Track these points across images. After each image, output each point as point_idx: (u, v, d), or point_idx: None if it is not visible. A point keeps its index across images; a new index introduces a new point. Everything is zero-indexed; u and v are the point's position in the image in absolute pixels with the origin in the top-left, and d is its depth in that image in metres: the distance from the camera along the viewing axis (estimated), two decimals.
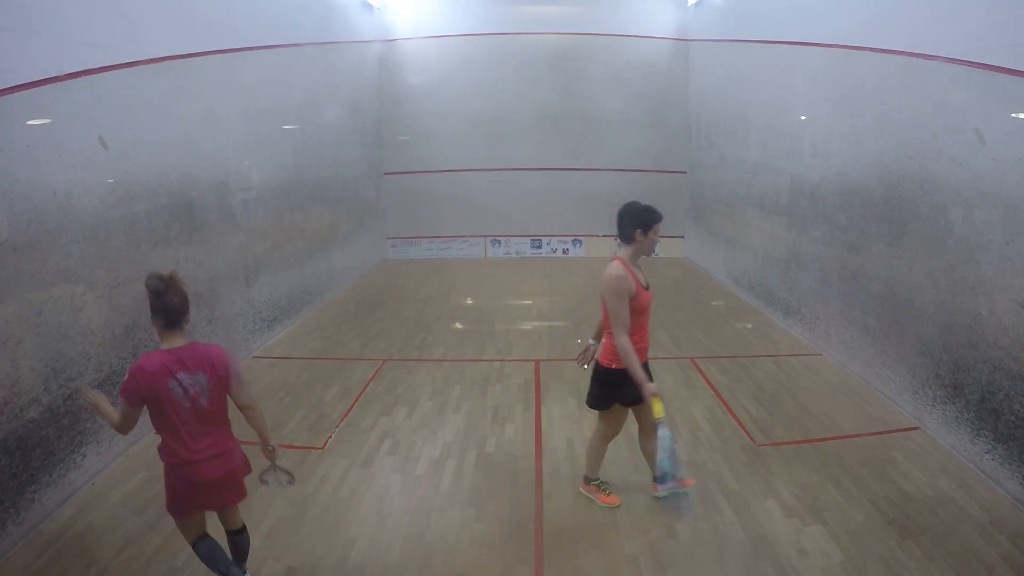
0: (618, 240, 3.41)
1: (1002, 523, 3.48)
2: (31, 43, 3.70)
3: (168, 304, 2.56)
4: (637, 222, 3.31)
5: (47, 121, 3.81)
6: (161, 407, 2.56)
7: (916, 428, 4.65)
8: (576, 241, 12.12)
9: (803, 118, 6.93)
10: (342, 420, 4.95)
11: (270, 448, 2.88)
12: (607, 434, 3.68)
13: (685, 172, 11.73)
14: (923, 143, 4.71)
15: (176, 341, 2.62)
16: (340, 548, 3.38)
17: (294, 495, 3.86)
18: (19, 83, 3.58)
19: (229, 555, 2.94)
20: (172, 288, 2.57)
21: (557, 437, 4.61)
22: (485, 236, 12.19)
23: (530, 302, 8.87)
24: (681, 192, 11.78)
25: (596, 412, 3.65)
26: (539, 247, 12.18)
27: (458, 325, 7.72)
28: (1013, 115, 3.85)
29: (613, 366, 3.39)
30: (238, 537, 2.97)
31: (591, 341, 3.74)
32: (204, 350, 2.67)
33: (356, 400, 5.34)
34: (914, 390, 4.79)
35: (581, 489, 3.82)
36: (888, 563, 3.18)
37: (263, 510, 3.70)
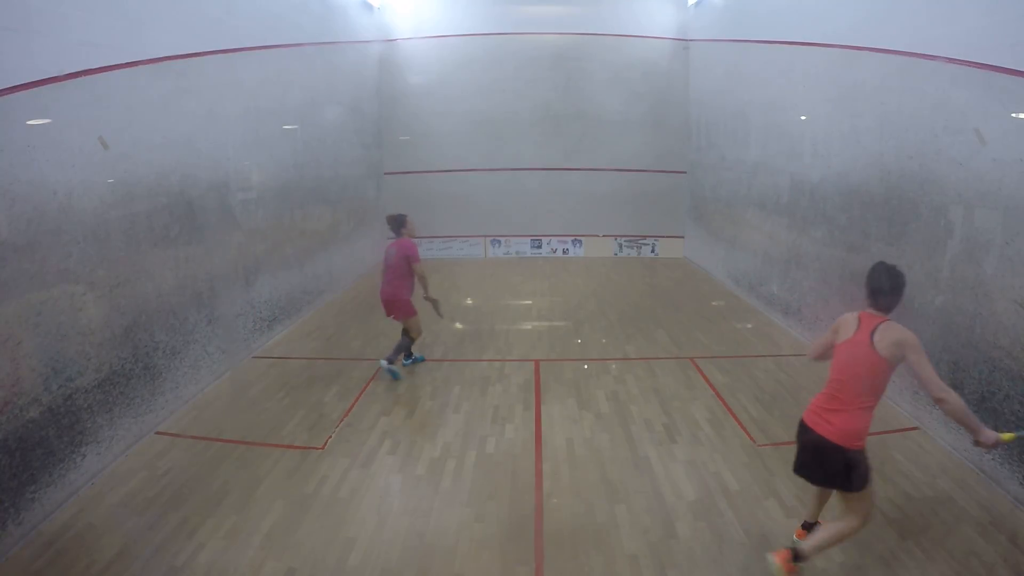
0: (876, 304, 2.97)
1: (1002, 523, 3.49)
2: (31, 43, 3.71)
3: (388, 219, 5.86)
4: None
5: (47, 121, 3.81)
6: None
7: (916, 428, 4.66)
8: (576, 241, 12.11)
9: (803, 118, 6.93)
10: (342, 420, 4.95)
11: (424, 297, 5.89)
12: (869, 516, 3.05)
13: (685, 172, 11.73)
14: (923, 143, 4.71)
15: (395, 235, 5.81)
16: (340, 548, 3.38)
17: (294, 495, 3.87)
18: (19, 83, 3.59)
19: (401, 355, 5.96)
20: (390, 217, 5.89)
21: (557, 437, 4.61)
22: (485, 236, 12.19)
23: (530, 302, 8.86)
24: (681, 192, 11.78)
25: (845, 495, 3.03)
26: (539, 247, 12.18)
27: (458, 325, 7.72)
28: (1013, 115, 3.85)
29: (861, 446, 2.95)
30: (399, 342, 5.92)
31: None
32: (397, 241, 5.79)
33: (356, 400, 5.34)
34: (914, 390, 4.79)
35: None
36: (888, 563, 3.18)
37: (263, 510, 3.71)
